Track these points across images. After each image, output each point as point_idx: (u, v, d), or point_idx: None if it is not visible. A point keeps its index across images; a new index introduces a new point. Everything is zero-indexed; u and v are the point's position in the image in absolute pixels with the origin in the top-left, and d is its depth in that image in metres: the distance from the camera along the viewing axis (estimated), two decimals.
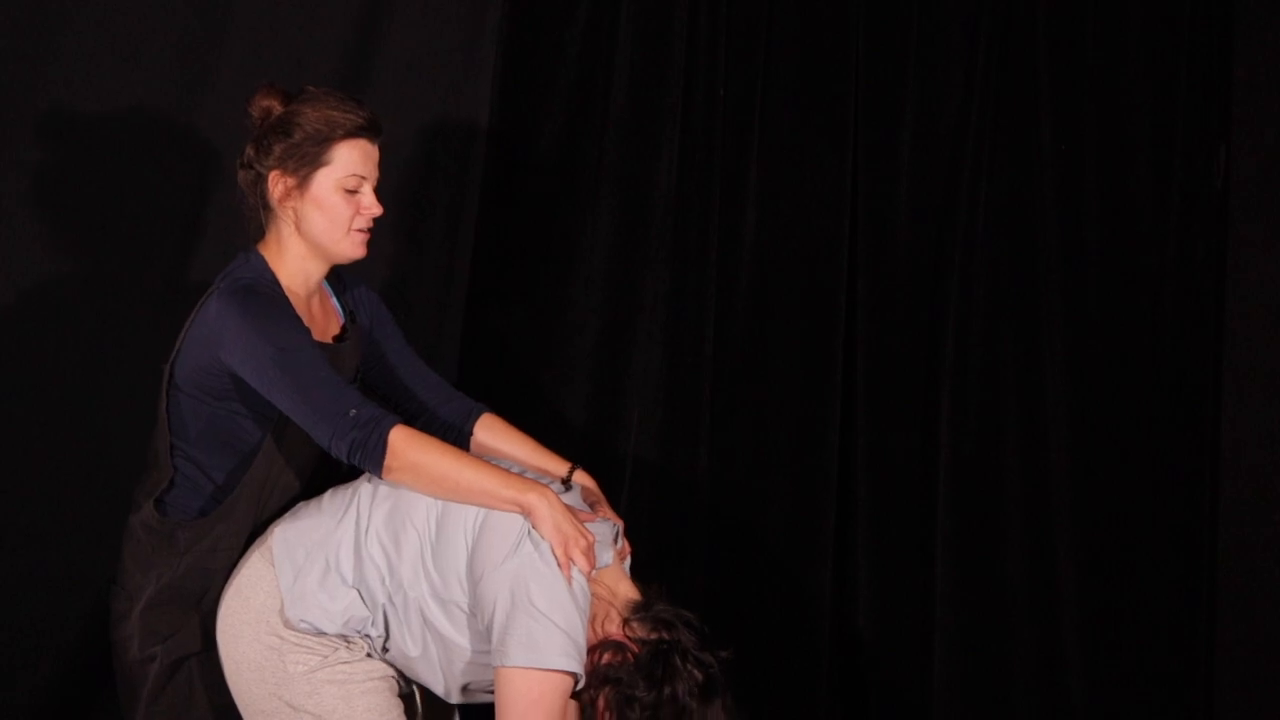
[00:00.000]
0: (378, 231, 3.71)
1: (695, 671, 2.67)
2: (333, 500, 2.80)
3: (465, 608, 2.68)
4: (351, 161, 2.88)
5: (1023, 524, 4.10)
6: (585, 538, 2.68)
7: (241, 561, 2.80)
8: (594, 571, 2.70)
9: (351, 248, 2.91)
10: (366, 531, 2.72)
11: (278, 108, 2.88)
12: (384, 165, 3.72)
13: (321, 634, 2.71)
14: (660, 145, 3.89)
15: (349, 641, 2.73)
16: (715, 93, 3.93)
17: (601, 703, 2.68)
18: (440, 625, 2.69)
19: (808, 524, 4.00)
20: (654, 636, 2.69)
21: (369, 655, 2.75)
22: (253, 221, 2.94)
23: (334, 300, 3.05)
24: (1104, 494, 4.13)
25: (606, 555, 2.76)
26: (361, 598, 2.71)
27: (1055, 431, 4.10)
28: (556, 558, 2.64)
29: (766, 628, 4.01)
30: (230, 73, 3.53)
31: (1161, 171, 4.16)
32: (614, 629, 2.72)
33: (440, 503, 2.71)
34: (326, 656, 2.70)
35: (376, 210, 2.92)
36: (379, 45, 3.71)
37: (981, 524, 4.07)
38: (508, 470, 2.74)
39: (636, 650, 2.68)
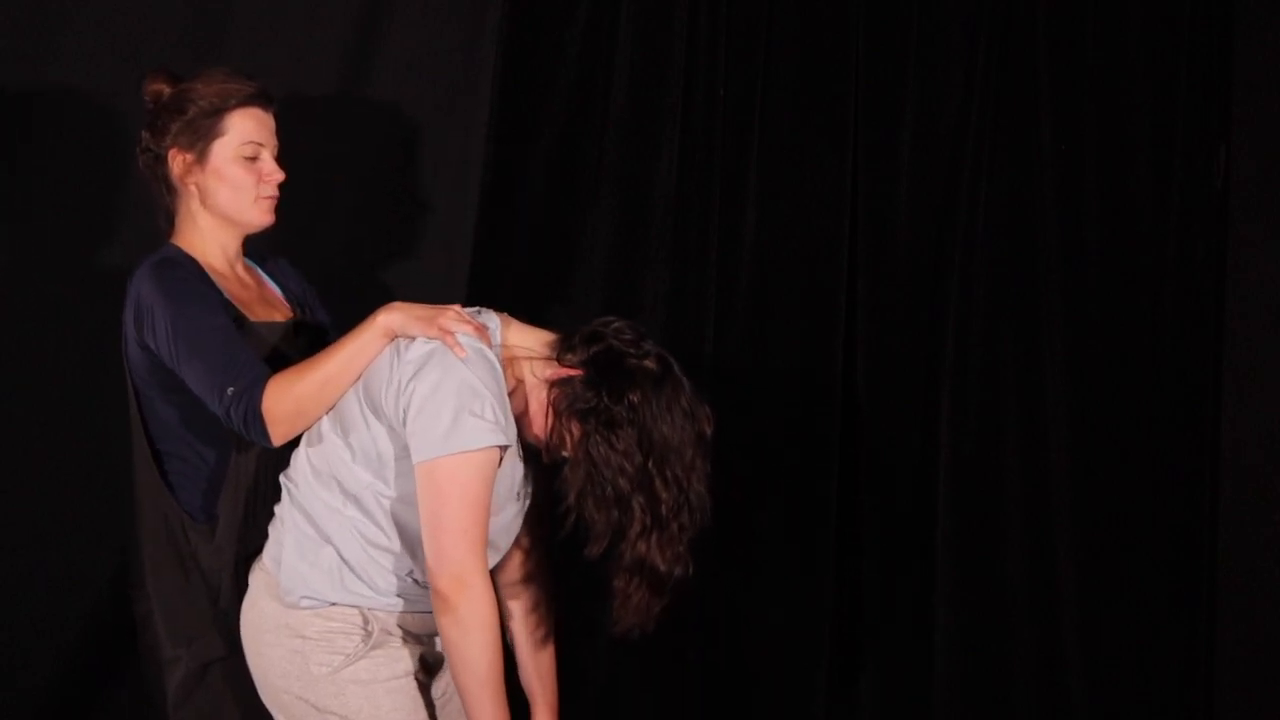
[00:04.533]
0: (378, 231, 3.75)
1: (643, 364, 2.66)
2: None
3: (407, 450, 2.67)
4: (246, 129, 2.91)
5: (1023, 524, 4.09)
6: (447, 309, 2.68)
7: (250, 576, 2.81)
8: (494, 343, 2.68)
9: (259, 215, 2.94)
10: (302, 491, 2.72)
11: (167, 89, 2.92)
12: (385, 165, 3.76)
13: (333, 605, 2.69)
14: (660, 145, 3.89)
15: (368, 630, 2.71)
16: (715, 93, 3.93)
17: (573, 434, 2.65)
18: (404, 488, 2.67)
19: (808, 524, 3.99)
20: (589, 354, 2.67)
21: (397, 639, 2.73)
22: (160, 209, 2.97)
23: (270, 282, 3.06)
24: (1104, 494, 4.13)
25: (489, 319, 2.74)
26: (337, 552, 2.69)
27: (1055, 431, 4.09)
28: (439, 345, 2.62)
29: (767, 627, 4.01)
30: None
31: (1161, 171, 4.15)
32: (549, 373, 2.70)
33: (330, 413, 2.71)
34: (349, 654, 2.69)
35: (278, 175, 2.94)
36: (379, 45, 3.71)
37: (981, 524, 4.07)
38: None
39: (580, 373, 2.66)
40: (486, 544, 2.62)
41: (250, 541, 2.85)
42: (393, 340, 2.69)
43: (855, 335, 4.02)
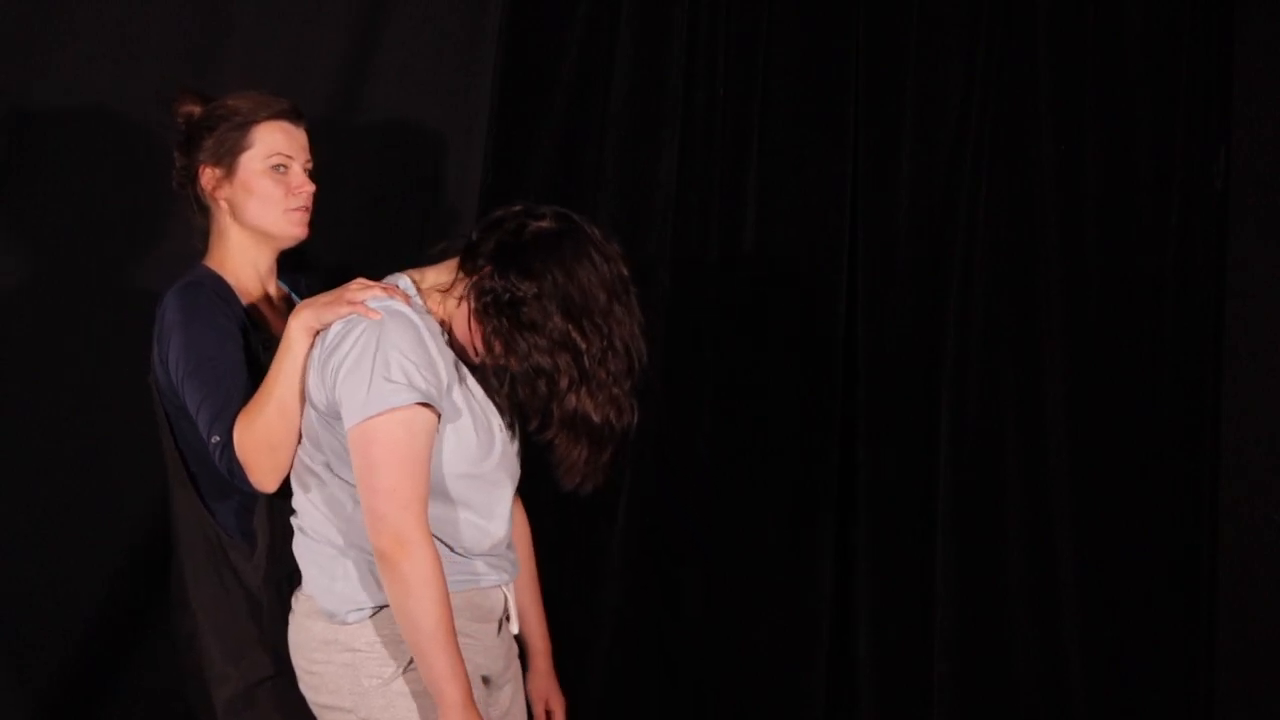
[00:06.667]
0: (378, 232, 3.75)
1: (539, 227, 2.63)
2: None
3: None
4: (274, 141, 2.90)
5: (1023, 524, 4.10)
6: (350, 283, 2.66)
7: (293, 600, 2.81)
8: (412, 297, 2.66)
9: (289, 227, 2.93)
10: (310, 521, 2.72)
11: (198, 109, 2.93)
12: (386, 165, 3.75)
13: (380, 609, 2.66)
14: (660, 145, 3.89)
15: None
16: (715, 93, 3.93)
17: (496, 328, 2.61)
18: None
19: (808, 524, 4.00)
20: (490, 248, 2.63)
21: None
22: (195, 231, 2.97)
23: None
24: (1104, 494, 4.13)
25: (399, 279, 2.72)
26: (361, 555, 2.67)
27: (1055, 432, 4.10)
28: (350, 318, 2.61)
29: (766, 628, 4.01)
30: (230, 73, 3.53)
31: (1161, 172, 4.16)
32: (465, 287, 2.66)
33: (301, 445, 2.71)
34: (399, 663, 2.67)
35: (309, 187, 2.93)
36: (379, 46, 3.71)
37: (982, 525, 4.07)
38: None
39: (487, 269, 2.62)
40: (424, 500, 2.58)
41: (288, 560, 2.83)
42: (315, 336, 2.68)
43: (856, 335, 4.02)
